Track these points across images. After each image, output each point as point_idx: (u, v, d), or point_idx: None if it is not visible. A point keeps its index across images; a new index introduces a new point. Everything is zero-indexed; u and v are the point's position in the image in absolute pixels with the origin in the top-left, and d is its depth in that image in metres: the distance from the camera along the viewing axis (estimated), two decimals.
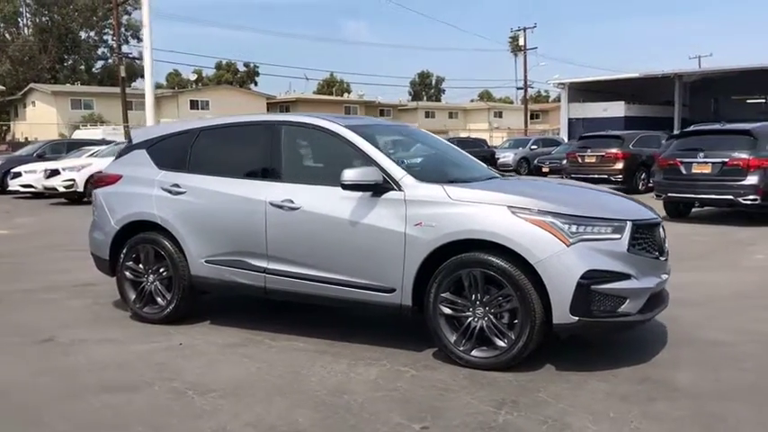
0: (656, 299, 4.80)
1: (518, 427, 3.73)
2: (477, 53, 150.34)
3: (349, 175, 4.88)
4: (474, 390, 4.28)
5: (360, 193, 4.98)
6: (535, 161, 27.48)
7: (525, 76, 54.42)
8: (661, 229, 4.94)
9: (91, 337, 5.57)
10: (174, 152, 6.00)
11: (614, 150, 18.85)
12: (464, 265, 4.62)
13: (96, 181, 6.48)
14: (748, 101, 42.22)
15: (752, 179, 11.73)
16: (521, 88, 56.87)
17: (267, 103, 56.30)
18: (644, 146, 19.57)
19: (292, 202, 5.21)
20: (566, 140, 32.39)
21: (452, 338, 4.70)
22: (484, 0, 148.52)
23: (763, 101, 42.23)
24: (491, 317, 4.59)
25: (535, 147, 30.83)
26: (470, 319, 4.66)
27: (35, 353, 5.23)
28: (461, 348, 4.67)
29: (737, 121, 34.88)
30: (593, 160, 19.05)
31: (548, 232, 4.43)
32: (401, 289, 4.84)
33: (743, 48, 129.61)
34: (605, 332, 4.72)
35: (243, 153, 5.76)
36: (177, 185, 5.77)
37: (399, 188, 4.90)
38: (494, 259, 4.52)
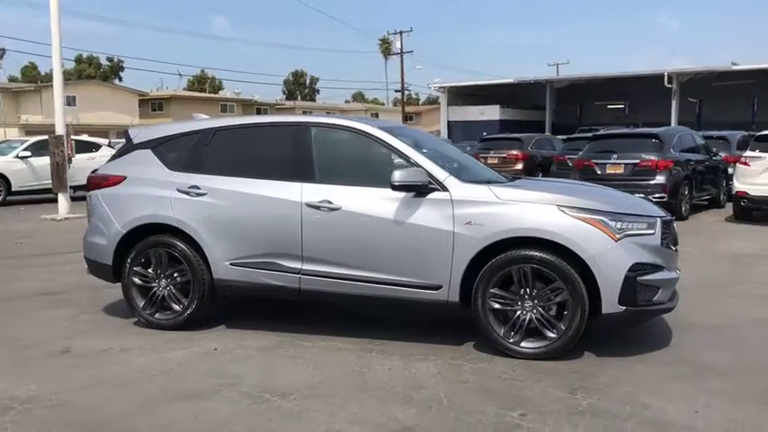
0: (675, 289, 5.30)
1: (605, 409, 4.04)
2: (350, 54, 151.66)
3: (399, 176, 5.01)
4: (538, 378, 4.55)
5: (403, 194, 5.12)
6: None
7: (402, 79, 55.57)
8: (674, 225, 5.45)
9: (110, 347, 5.32)
10: (187, 153, 5.83)
11: (515, 152, 19.89)
12: (515, 261, 4.88)
13: (93, 182, 6.13)
14: (609, 106, 45.60)
15: (660, 179, 12.88)
16: (398, 90, 58.01)
17: (139, 100, 53.92)
18: (540, 148, 20.78)
19: (331, 202, 5.25)
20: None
21: (501, 331, 4.95)
22: (358, 3, 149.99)
23: (622, 106, 45.81)
24: (540, 309, 4.89)
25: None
26: (519, 312, 4.93)
27: (63, 365, 4.94)
28: (511, 341, 4.93)
29: (600, 125, 37.62)
30: (496, 161, 19.95)
31: (597, 229, 4.79)
32: (448, 286, 5.03)
33: (596, 57, 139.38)
34: (643, 320, 5.14)
35: (269, 154, 5.69)
36: (196, 187, 5.62)
37: (444, 189, 5.08)
38: (547, 255, 4.81)
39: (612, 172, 13.35)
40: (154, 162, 5.89)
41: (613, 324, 4.97)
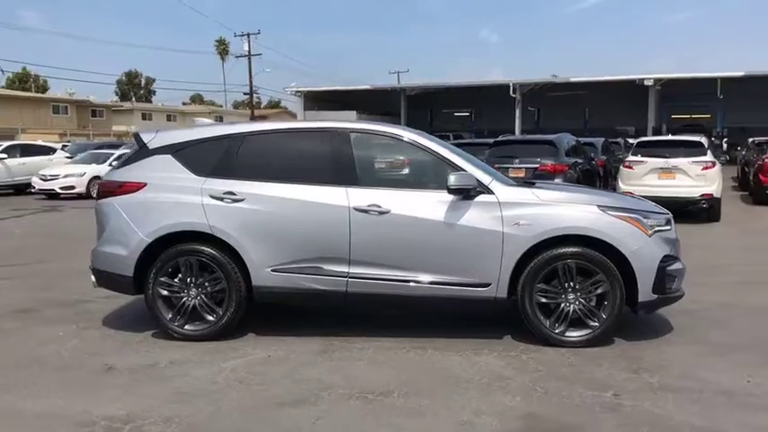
0: None
1: (675, 385, 4.56)
2: (187, 55, 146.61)
3: (454, 180, 5.28)
4: (597, 363, 5.01)
5: (451, 197, 5.39)
6: None
7: (251, 82, 54.98)
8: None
9: (155, 361, 5.10)
10: (215, 158, 5.68)
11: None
12: (561, 257, 5.32)
13: (105, 190, 5.75)
14: (456, 114, 48.14)
15: (557, 181, 14.00)
16: (247, 93, 57.16)
17: None
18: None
19: (380, 206, 5.39)
20: None
21: (547, 323, 5.37)
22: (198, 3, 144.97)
23: (468, 114, 48.51)
24: (582, 301, 5.36)
25: None
26: (563, 304, 5.37)
27: (126, 382, 4.69)
28: (557, 331, 5.36)
29: (449, 132, 39.52)
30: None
31: (635, 226, 5.35)
32: (497, 283, 5.36)
33: (433, 65, 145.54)
34: (665, 305, 5.71)
35: (307, 159, 5.70)
36: (231, 193, 5.51)
37: (490, 191, 5.41)
38: (591, 251, 5.29)
39: (515, 176, 14.29)
40: (177, 168, 5.68)
41: (645, 311, 5.54)
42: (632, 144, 24.91)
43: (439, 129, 43.43)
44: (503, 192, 5.45)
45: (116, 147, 25.92)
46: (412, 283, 5.43)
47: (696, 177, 13.38)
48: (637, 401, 4.28)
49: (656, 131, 36.33)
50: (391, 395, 4.40)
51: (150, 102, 76.26)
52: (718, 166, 13.64)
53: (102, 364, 5.03)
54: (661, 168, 13.69)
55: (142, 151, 5.84)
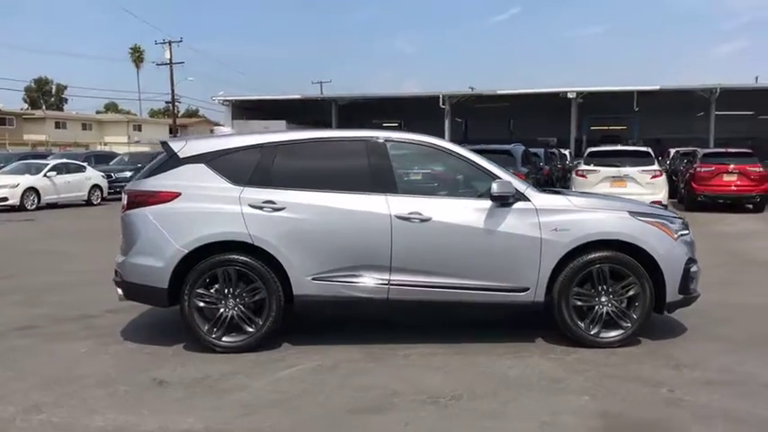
0: None
1: (719, 379, 4.85)
2: (100, 62, 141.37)
3: (497, 187, 5.43)
4: (637, 361, 5.25)
5: (489, 205, 5.53)
6: None
7: (173, 90, 53.50)
8: None
9: (206, 374, 4.99)
10: (250, 167, 5.60)
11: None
12: (597, 261, 5.53)
13: (135, 199, 5.55)
14: (384, 124, 48.52)
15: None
16: (168, 102, 55.75)
17: None
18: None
19: (421, 213, 5.47)
20: None
21: (582, 325, 5.58)
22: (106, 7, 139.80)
23: (397, 124, 49.01)
24: (614, 303, 5.60)
25: None
26: (597, 306, 5.60)
27: (183, 396, 4.58)
28: (592, 333, 5.58)
29: None
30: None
31: (663, 231, 5.64)
32: (535, 288, 5.54)
33: (355, 76, 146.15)
34: (687, 305, 6.01)
35: (344, 167, 5.71)
36: (271, 202, 5.46)
37: (527, 198, 5.59)
38: (624, 256, 5.54)
39: None
40: (212, 177, 5.58)
41: (670, 310, 5.83)
42: (554, 154, 25.88)
43: None
44: (538, 198, 5.63)
45: (44, 156, 24.76)
46: (452, 290, 5.52)
47: (646, 185, 14.10)
48: (693, 396, 4.52)
49: (578, 142, 37.82)
50: (461, 399, 4.48)
51: (62, 110, 73.17)
52: (664, 175, 14.44)
53: (151, 379, 4.88)
54: (613, 177, 14.35)
55: (172, 160, 5.69)
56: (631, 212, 5.69)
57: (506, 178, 5.62)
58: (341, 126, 43.66)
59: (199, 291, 5.44)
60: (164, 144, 5.85)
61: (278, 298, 5.46)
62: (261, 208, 5.46)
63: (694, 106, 40.36)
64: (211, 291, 5.48)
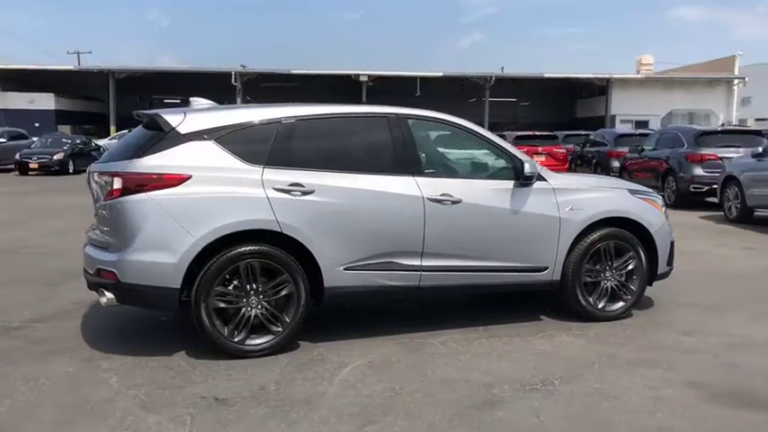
0: None
1: (726, 342, 5.26)
2: None
3: (528, 168, 5.36)
4: (650, 332, 5.53)
5: (512, 185, 5.46)
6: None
7: None
8: None
9: (259, 386, 4.33)
10: (267, 145, 4.91)
11: None
12: (603, 238, 5.72)
13: (133, 183, 4.53)
14: (166, 100, 45.70)
15: None
16: None
17: None
18: None
19: (451, 195, 5.24)
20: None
21: (591, 300, 5.75)
22: None
23: (180, 101, 46.39)
24: (617, 278, 5.84)
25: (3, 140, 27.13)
26: (602, 282, 5.80)
27: (266, 415, 3.92)
28: (599, 307, 5.77)
29: None
30: None
31: (655, 207, 5.99)
32: (553, 266, 5.59)
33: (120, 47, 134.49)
34: (668, 276, 6.37)
35: (369, 146, 5.24)
36: (299, 185, 4.86)
37: (543, 179, 5.60)
38: (625, 232, 5.80)
39: None
40: (224, 156, 4.80)
41: (659, 281, 6.19)
42: None
43: None
44: (553, 178, 5.68)
45: None
46: (480, 273, 5.39)
47: None
48: (730, 358, 4.86)
49: None
50: (555, 383, 4.37)
51: None
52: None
53: (199, 398, 4.10)
54: None
55: (171, 137, 4.79)
56: (630, 190, 5.98)
57: (527, 158, 5.57)
58: (119, 101, 40.36)
59: (218, 289, 4.68)
60: (156, 117, 4.91)
61: (307, 291, 4.89)
62: (288, 191, 4.83)
63: (469, 93, 43.51)
64: (230, 288, 4.75)
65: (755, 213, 12.10)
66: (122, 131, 32.60)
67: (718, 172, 13.46)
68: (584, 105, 47.24)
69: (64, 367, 4.61)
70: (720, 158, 14.08)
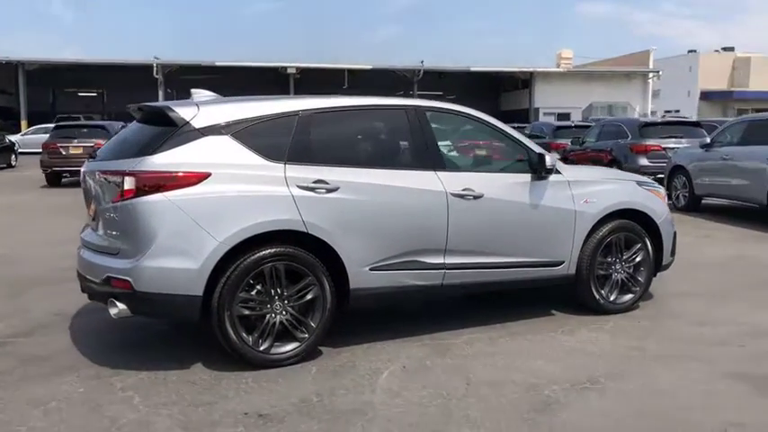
0: None
1: (749, 332, 5.35)
2: None
3: (550, 161, 5.25)
4: (666, 326, 5.51)
5: (529, 178, 5.35)
6: None
7: None
8: None
9: (300, 398, 4.02)
10: (285, 140, 4.59)
11: (103, 141, 18.04)
12: (614, 231, 5.67)
13: (148, 183, 4.10)
14: (80, 93, 43.67)
15: None
16: None
17: None
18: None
19: (473, 190, 5.07)
20: None
21: (603, 293, 5.71)
22: None
23: (95, 94, 44.41)
24: (626, 270, 5.82)
25: None
26: (613, 274, 5.77)
27: (300, 425, 3.64)
28: (611, 299, 5.73)
29: (76, 113, 36.12)
30: (81, 152, 17.85)
31: (660, 199, 6.01)
32: (569, 260, 5.51)
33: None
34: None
35: (389, 141, 5.01)
36: (323, 182, 4.57)
37: (558, 171, 5.50)
38: (633, 223, 5.78)
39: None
40: (242, 152, 4.45)
41: (662, 272, 6.21)
42: None
43: (64, 110, 39.02)
44: (567, 171, 5.59)
45: None
46: (500, 269, 5.24)
47: None
48: (756, 348, 4.91)
49: None
50: (599, 380, 4.27)
51: None
52: None
53: (240, 414, 3.77)
54: None
55: (184, 131, 4.39)
56: (638, 182, 5.97)
57: (542, 150, 5.46)
58: (29, 94, 38.23)
59: (242, 295, 4.35)
60: (166, 110, 4.48)
61: (333, 294, 4.62)
62: (312, 189, 4.53)
63: (397, 86, 43.51)
64: (252, 293, 4.42)
65: (702, 202, 12.53)
66: (39, 126, 30.82)
67: (662, 162, 13.89)
68: (507, 99, 48.17)
69: (73, 387, 4.16)
70: (664, 149, 14.52)
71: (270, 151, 4.53)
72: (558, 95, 42.17)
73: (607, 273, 5.70)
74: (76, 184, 18.35)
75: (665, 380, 4.30)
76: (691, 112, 42.77)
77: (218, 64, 38.26)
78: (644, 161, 14.59)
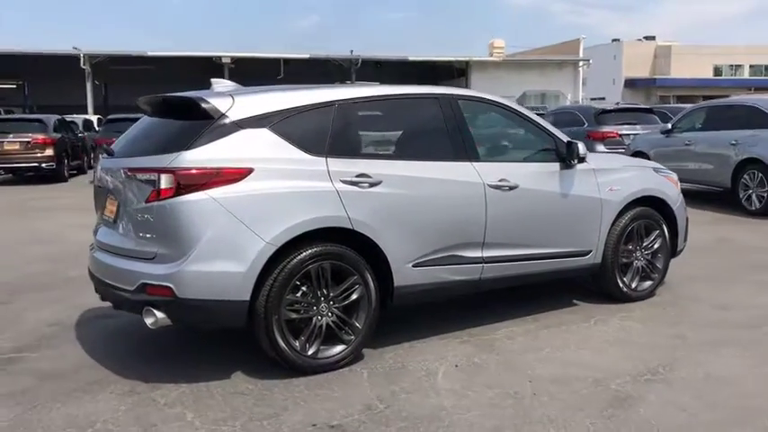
0: None
1: (761, 315, 5.43)
2: None
3: (582, 149, 5.16)
4: (688, 312, 5.56)
5: (558, 167, 5.26)
6: None
7: None
8: None
9: (365, 405, 3.80)
10: (324, 132, 4.32)
11: (41, 136, 17.10)
12: (636, 218, 5.64)
13: (189, 181, 3.75)
14: (1, 86, 41.33)
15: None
16: None
17: None
18: (69, 131, 18.72)
19: (508, 181, 4.94)
20: None
21: (625, 280, 5.67)
22: None
23: (15, 86, 42.14)
24: (645, 257, 5.82)
25: None
26: (635, 262, 5.75)
27: None
28: (633, 286, 5.71)
29: None
30: (18, 147, 16.86)
31: (674, 185, 6.03)
32: (596, 249, 5.45)
33: None
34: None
35: (425, 131, 4.79)
36: (366, 176, 4.33)
37: (584, 160, 5.42)
38: (652, 210, 5.77)
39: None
40: (282, 145, 4.16)
41: (676, 257, 6.23)
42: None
43: None
44: (593, 158, 5.52)
45: None
46: (534, 260, 5.14)
47: None
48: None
49: None
50: (658, 371, 4.22)
51: None
52: None
53: (309, 426, 3.52)
54: None
55: (219, 124, 4.06)
56: (655, 169, 5.97)
57: (571, 139, 5.37)
58: None
59: (289, 297, 4.08)
60: (198, 101, 4.12)
61: (377, 293, 4.41)
62: (356, 184, 4.29)
63: (334, 75, 43.06)
64: (298, 295, 4.16)
65: None
66: None
67: (619, 149, 14.12)
68: None
69: (112, 405, 3.81)
70: (620, 135, 14.80)
71: (309, 144, 4.25)
72: (492, 84, 42.41)
73: (629, 260, 5.68)
74: (12, 182, 17.36)
75: (719, 368, 4.28)
76: (616, 99, 44.10)
77: (149, 54, 36.86)
78: (601, 148, 14.79)
